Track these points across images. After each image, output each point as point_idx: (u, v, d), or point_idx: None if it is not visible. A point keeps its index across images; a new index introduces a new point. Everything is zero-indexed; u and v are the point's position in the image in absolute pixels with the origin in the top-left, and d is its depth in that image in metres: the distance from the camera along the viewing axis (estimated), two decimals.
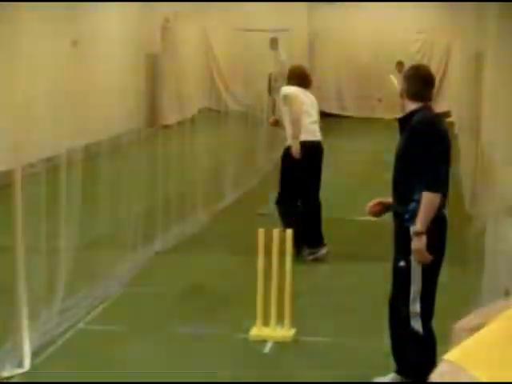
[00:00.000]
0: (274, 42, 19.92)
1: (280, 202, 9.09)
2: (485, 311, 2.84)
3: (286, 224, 8.56)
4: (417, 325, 5.31)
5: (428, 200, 5.19)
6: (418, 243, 5.20)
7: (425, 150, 5.21)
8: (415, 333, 5.33)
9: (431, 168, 5.21)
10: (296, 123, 8.81)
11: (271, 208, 9.47)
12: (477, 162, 11.07)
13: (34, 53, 11.86)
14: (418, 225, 5.19)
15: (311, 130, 8.96)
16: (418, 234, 5.19)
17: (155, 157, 9.39)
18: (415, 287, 5.29)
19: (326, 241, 8.94)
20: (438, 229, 5.31)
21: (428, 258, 5.22)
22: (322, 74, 21.75)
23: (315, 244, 8.90)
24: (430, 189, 5.18)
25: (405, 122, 5.47)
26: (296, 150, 8.78)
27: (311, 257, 8.84)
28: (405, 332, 5.40)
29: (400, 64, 19.15)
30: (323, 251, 8.89)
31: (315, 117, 9.07)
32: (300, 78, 9.18)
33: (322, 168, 9.06)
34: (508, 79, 8.20)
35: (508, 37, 8.62)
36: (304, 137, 8.88)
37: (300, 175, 8.88)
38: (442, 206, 5.36)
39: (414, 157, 5.25)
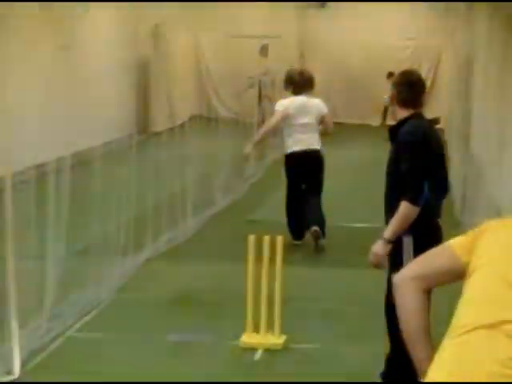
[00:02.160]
0: (264, 49, 19.95)
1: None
2: (422, 260, 2.87)
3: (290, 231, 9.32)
4: None
5: (405, 211, 5.14)
6: (380, 248, 5.19)
7: (411, 162, 5.18)
8: None
9: (415, 181, 5.17)
10: (263, 135, 10.03)
11: (261, 214, 9.49)
12: (467, 168, 11.08)
13: (23, 57, 11.87)
14: (388, 232, 5.16)
15: (300, 140, 9.29)
16: (385, 241, 5.17)
17: (146, 164, 9.38)
18: None
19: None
20: (432, 237, 5.29)
21: (382, 266, 5.20)
22: None
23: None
24: (410, 201, 5.14)
25: (395, 130, 5.44)
26: (247, 150, 10.24)
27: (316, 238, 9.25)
28: (401, 342, 5.34)
29: (391, 75, 19.13)
30: (314, 228, 9.15)
31: (311, 126, 9.21)
32: (299, 84, 9.30)
33: (315, 175, 9.37)
34: (498, 83, 8.22)
35: (497, 40, 8.65)
36: (293, 148, 9.31)
37: (294, 182, 9.46)
38: (436, 214, 5.34)
39: (402, 169, 5.22)
